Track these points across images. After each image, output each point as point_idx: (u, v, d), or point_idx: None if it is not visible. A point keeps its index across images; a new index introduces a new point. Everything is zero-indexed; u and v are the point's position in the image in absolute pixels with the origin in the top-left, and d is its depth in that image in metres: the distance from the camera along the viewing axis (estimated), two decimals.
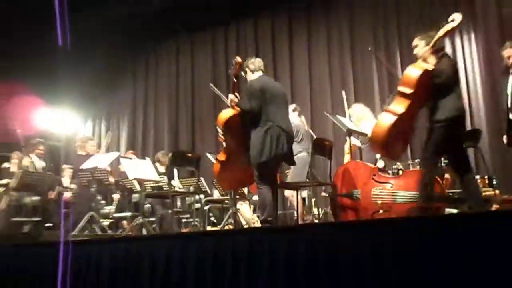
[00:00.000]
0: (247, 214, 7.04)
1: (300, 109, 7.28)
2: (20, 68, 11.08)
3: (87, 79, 12.06)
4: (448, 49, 8.48)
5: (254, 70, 5.19)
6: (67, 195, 8.25)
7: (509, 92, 5.47)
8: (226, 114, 5.15)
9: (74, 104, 11.40)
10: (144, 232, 6.66)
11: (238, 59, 5.32)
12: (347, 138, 6.11)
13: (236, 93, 5.27)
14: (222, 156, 5.31)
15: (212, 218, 7.86)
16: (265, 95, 4.93)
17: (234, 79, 5.32)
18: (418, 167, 6.73)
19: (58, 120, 8.93)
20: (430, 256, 3.11)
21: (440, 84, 4.38)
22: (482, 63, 7.97)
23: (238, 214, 6.52)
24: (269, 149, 4.78)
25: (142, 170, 6.97)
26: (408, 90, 4.49)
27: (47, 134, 8.58)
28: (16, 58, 11.09)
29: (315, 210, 7.45)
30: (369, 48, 8.21)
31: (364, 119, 6.58)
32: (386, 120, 4.54)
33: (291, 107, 6.54)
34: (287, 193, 6.69)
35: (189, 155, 6.03)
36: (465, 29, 8.41)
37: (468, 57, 8.36)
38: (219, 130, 5.23)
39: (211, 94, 10.98)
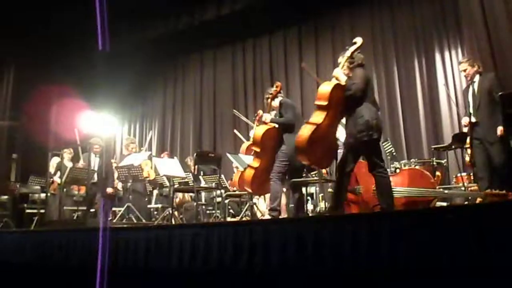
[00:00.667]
0: (263, 207, 7.07)
1: None
2: (65, 74, 11.23)
3: (125, 86, 12.20)
4: (439, 65, 8.49)
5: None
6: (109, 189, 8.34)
7: (470, 99, 5.49)
8: (262, 129, 5.49)
9: (113, 108, 11.50)
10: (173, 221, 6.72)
11: (279, 83, 5.72)
12: None
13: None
14: (256, 163, 5.50)
15: (231, 211, 7.90)
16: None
17: (271, 100, 5.62)
18: (413, 166, 6.74)
19: (99, 123, 8.99)
20: (424, 245, 3.12)
21: (350, 96, 4.42)
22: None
23: (255, 207, 6.57)
24: None
25: (170, 167, 7.05)
26: (323, 103, 4.63)
27: (91, 136, 8.62)
28: (63, 64, 11.22)
29: (322, 204, 7.49)
30: (302, 64, 8.61)
31: None
32: (306, 130, 4.62)
33: None
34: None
35: (212, 155, 6.07)
36: (453, 45, 8.39)
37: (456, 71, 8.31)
38: (256, 142, 5.48)
39: (230, 101, 11.09)
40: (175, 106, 12.23)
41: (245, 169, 5.80)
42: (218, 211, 7.23)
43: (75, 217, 8.33)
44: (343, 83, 4.56)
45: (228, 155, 6.22)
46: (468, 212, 3.19)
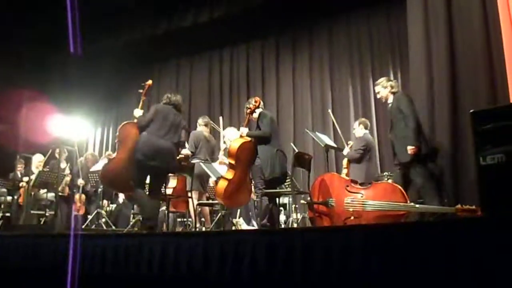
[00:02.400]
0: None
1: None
2: (36, 76, 11.03)
3: (99, 90, 12.07)
4: None
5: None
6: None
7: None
8: (238, 142, 5.54)
9: (86, 111, 11.37)
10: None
11: (258, 98, 5.84)
12: (326, 152, 6.21)
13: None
14: (229, 175, 5.48)
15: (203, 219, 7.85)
16: (274, 124, 5.61)
17: (249, 114, 5.76)
18: (386, 179, 6.80)
19: (71, 126, 8.86)
20: (397, 260, 3.13)
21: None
22: None
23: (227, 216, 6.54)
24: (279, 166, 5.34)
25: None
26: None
27: (62, 140, 8.49)
28: (32, 66, 11.03)
29: (294, 215, 7.49)
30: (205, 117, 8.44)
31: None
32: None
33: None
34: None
35: (184, 163, 6.01)
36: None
37: None
38: (231, 155, 5.50)
39: (206, 109, 11.04)
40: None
41: (218, 180, 5.77)
42: (190, 220, 7.16)
43: (42, 222, 8.19)
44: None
45: (201, 164, 6.17)
46: (439, 228, 3.21)
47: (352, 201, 5.10)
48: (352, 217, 5.01)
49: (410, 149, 5.11)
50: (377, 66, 9.01)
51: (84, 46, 8.33)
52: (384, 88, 5.50)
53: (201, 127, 7.11)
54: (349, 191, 5.19)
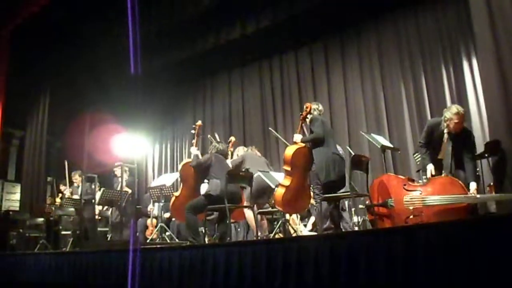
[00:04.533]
0: (294, 224, 7.03)
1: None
2: (98, 97, 11.50)
3: (155, 108, 12.40)
4: (467, 73, 8.33)
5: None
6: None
7: None
8: (293, 148, 5.59)
9: (145, 129, 11.70)
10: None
11: (309, 104, 5.81)
12: (382, 153, 6.12)
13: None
14: (287, 182, 5.53)
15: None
16: (326, 127, 5.59)
17: (302, 120, 5.75)
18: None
19: (133, 145, 9.14)
20: (458, 257, 3.05)
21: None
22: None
23: (287, 224, 6.55)
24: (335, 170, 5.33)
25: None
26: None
27: (125, 158, 8.77)
28: (97, 88, 11.50)
29: (355, 219, 7.41)
30: (270, 128, 8.92)
31: None
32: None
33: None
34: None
35: (242, 173, 6.08)
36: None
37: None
38: (286, 162, 5.58)
39: (259, 119, 11.12)
40: (205, 126, 12.26)
41: (276, 187, 5.82)
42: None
43: (108, 238, 8.46)
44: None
45: (259, 173, 6.23)
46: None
47: (411, 199, 5.02)
48: (411, 216, 4.93)
49: None
50: (428, 63, 8.79)
51: (142, 64, 8.62)
52: None
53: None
54: (407, 190, 5.12)
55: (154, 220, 8.74)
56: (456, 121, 5.28)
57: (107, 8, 9.67)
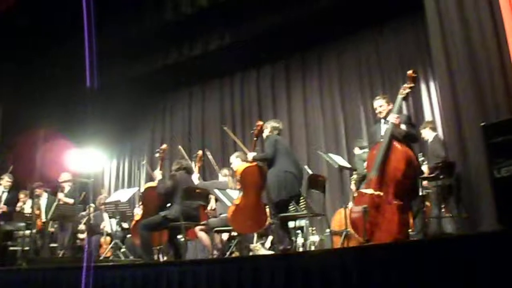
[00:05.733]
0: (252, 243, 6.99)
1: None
2: (52, 110, 11.22)
3: (113, 122, 12.20)
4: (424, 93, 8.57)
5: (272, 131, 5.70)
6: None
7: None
8: (243, 166, 5.66)
9: (102, 144, 11.47)
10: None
11: (260, 122, 5.82)
12: (340, 172, 6.19)
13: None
14: (238, 200, 5.53)
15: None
16: (279, 145, 5.46)
17: (255, 138, 5.74)
18: None
19: (87, 159, 8.95)
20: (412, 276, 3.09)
21: None
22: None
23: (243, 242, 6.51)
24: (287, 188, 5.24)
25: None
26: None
27: (78, 173, 8.57)
28: (51, 101, 11.23)
29: (312, 238, 7.43)
30: (224, 127, 8.77)
31: None
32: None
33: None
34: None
35: (199, 191, 6.02)
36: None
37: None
38: (237, 180, 5.61)
39: (219, 135, 11.08)
40: (163, 141, 12.14)
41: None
42: None
43: (60, 255, 8.21)
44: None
45: (216, 191, 6.18)
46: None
47: None
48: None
49: None
50: (387, 85, 8.99)
51: (99, 78, 8.46)
52: (388, 104, 5.30)
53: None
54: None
55: (108, 238, 8.56)
56: None
57: (63, 22, 9.51)
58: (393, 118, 4.76)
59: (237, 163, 6.40)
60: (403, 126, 4.79)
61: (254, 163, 5.56)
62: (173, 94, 12.35)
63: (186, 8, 8.83)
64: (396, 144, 4.57)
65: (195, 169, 7.25)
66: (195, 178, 6.86)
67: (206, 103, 11.69)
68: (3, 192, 8.37)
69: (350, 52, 9.66)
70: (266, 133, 5.69)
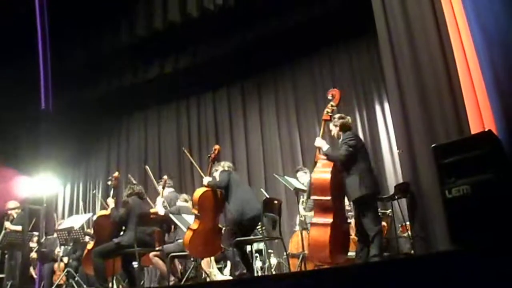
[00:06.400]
0: (207, 267, 6.87)
1: None
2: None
3: (67, 146, 11.88)
4: (379, 116, 8.72)
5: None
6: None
7: None
8: (200, 191, 5.55)
9: (55, 168, 11.14)
10: None
11: (217, 146, 5.91)
12: (296, 195, 6.17)
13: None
14: (195, 225, 5.46)
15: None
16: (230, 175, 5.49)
17: (212, 163, 5.80)
18: None
19: (39, 185, 8.65)
20: None
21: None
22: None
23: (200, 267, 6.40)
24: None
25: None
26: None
27: (28, 199, 8.27)
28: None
29: (270, 261, 7.37)
30: (184, 150, 8.55)
31: None
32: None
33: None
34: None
35: (153, 216, 5.90)
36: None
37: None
38: (194, 204, 5.54)
39: (176, 157, 10.96)
40: (119, 165, 11.93)
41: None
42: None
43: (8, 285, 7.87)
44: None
45: (171, 215, 6.07)
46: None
47: None
48: None
49: None
50: (341, 105, 9.06)
51: (53, 101, 8.25)
52: (335, 127, 5.30)
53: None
54: None
55: (62, 264, 8.26)
56: None
57: (16, 41, 9.26)
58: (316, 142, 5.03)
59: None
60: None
61: (210, 188, 5.52)
62: (128, 117, 12.18)
63: (141, 31, 8.74)
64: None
65: (161, 193, 7.10)
66: (159, 202, 6.72)
67: (162, 126, 11.59)
68: None
69: (306, 73, 9.78)
70: (219, 169, 5.67)
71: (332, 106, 5.12)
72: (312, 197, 4.89)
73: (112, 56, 9.58)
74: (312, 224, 4.76)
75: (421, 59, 5.53)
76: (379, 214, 6.20)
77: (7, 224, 8.09)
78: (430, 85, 5.39)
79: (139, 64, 9.99)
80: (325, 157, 4.88)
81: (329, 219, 4.52)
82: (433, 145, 4.02)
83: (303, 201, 6.62)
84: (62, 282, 7.77)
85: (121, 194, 7.56)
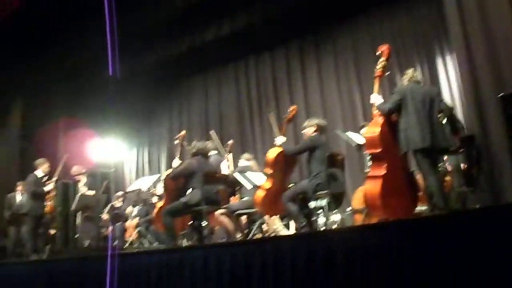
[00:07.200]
0: (273, 224, 7.02)
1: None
2: (72, 100, 11.38)
3: (131, 112, 12.29)
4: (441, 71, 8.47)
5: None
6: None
7: None
8: (275, 151, 5.71)
9: (121, 134, 11.58)
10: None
11: (294, 106, 6.01)
12: (358, 151, 6.16)
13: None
14: (268, 185, 5.65)
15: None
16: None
17: (287, 123, 5.95)
18: None
19: (109, 150, 9.03)
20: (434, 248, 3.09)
21: None
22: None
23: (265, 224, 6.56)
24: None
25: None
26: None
27: (100, 163, 8.67)
28: (71, 92, 11.37)
29: (333, 217, 7.43)
30: (270, 112, 8.32)
31: None
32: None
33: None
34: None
35: (218, 175, 6.07)
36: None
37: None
38: (268, 164, 5.70)
39: (237, 121, 11.09)
40: (181, 129, 12.18)
41: (256, 189, 5.86)
42: None
43: (86, 244, 8.35)
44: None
45: (236, 174, 6.22)
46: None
47: None
48: None
49: None
50: (403, 61, 8.88)
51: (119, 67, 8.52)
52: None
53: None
54: None
55: (133, 224, 8.64)
56: None
57: (82, 12, 9.56)
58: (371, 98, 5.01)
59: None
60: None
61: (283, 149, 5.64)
62: (188, 81, 12.36)
63: None
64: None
65: (227, 157, 7.29)
66: (225, 166, 6.92)
67: (221, 89, 11.69)
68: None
69: (365, 31, 9.54)
70: (309, 131, 5.61)
71: (382, 61, 5.02)
72: (366, 151, 4.92)
73: (169, 20, 9.72)
74: (367, 178, 4.76)
75: (487, 6, 5.32)
76: (440, 167, 6.13)
77: (81, 187, 8.52)
78: (498, 32, 5.19)
79: (196, 26, 10.06)
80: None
81: (381, 172, 4.50)
82: (500, 94, 3.92)
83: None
84: (134, 240, 8.17)
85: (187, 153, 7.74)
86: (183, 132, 6.95)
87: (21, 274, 6.41)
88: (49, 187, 8.03)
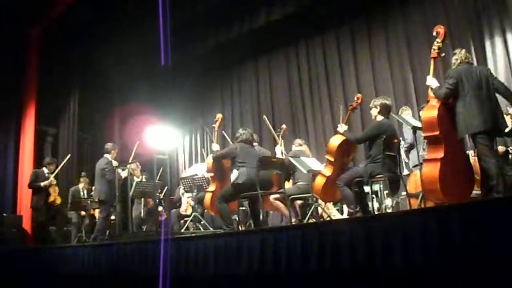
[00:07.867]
0: (327, 209, 7.03)
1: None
2: (128, 89, 11.69)
3: (185, 98, 12.49)
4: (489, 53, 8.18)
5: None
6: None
7: None
8: (339, 139, 5.76)
9: (175, 121, 11.80)
10: None
11: (359, 95, 6.08)
12: (414, 134, 6.03)
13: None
14: (328, 172, 5.75)
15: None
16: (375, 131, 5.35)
17: (351, 111, 6.05)
18: None
19: (163, 137, 9.20)
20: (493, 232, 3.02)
21: None
22: None
23: (319, 208, 6.58)
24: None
25: None
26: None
27: (155, 150, 8.86)
28: (127, 80, 11.68)
29: (387, 201, 7.37)
30: (337, 100, 8.62)
31: None
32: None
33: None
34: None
35: (274, 160, 6.12)
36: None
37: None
38: (330, 151, 5.77)
39: (288, 105, 11.08)
40: (233, 116, 12.31)
41: (316, 176, 5.92)
42: None
43: (144, 228, 8.59)
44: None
45: (291, 158, 6.24)
46: None
47: None
48: None
49: None
50: (456, 40, 8.60)
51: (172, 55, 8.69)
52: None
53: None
54: None
55: (189, 209, 8.75)
56: None
57: (134, 3, 9.78)
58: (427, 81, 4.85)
59: None
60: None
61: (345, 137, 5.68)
62: (239, 67, 12.42)
63: None
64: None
65: (279, 142, 7.37)
66: (278, 151, 6.99)
67: (272, 75, 11.68)
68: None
69: (416, 12, 9.31)
70: (374, 112, 5.54)
71: (438, 43, 4.90)
72: (423, 134, 4.84)
73: (219, 7, 9.79)
74: (424, 161, 4.69)
75: None
76: (499, 151, 5.93)
77: (137, 174, 8.75)
78: None
79: (246, 13, 10.08)
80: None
81: (439, 155, 4.42)
82: None
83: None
84: (189, 225, 8.33)
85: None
86: (219, 115, 7.06)
87: (83, 257, 6.66)
88: (123, 174, 8.24)
